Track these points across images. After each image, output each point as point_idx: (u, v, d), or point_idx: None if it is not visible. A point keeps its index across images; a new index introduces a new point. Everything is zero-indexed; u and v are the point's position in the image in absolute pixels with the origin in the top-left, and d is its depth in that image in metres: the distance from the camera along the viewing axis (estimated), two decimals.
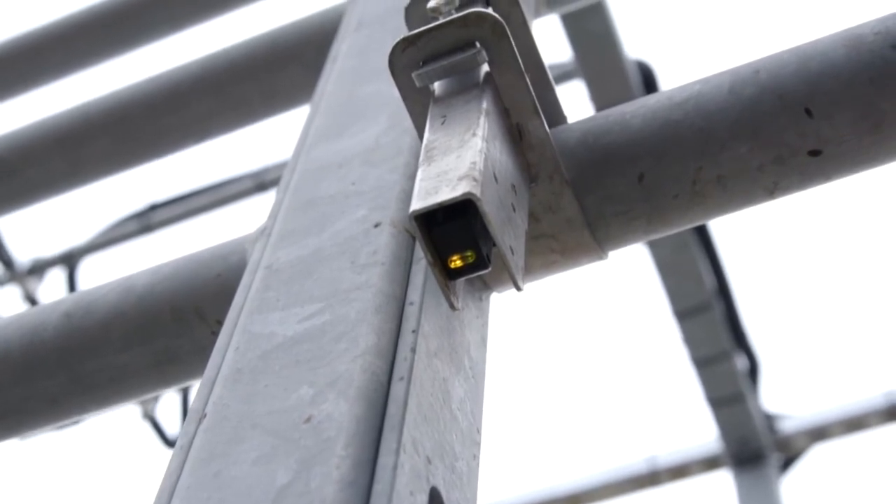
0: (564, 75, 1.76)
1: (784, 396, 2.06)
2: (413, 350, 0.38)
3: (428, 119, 0.41)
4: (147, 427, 2.01)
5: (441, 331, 0.41)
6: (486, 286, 0.47)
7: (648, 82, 1.71)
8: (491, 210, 0.37)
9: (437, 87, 0.43)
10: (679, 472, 1.91)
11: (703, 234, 1.78)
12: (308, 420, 0.35)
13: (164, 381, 0.54)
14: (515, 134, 0.44)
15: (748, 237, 2.21)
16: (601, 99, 1.66)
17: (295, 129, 0.59)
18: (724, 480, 1.91)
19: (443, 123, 0.40)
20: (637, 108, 0.46)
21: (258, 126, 0.92)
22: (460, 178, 0.36)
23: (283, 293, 0.42)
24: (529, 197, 0.44)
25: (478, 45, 0.41)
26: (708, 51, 2.40)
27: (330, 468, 0.32)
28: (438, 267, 0.37)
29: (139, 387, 0.54)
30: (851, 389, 1.96)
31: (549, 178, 0.45)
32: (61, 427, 0.87)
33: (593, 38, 1.65)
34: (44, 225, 2.37)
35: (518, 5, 0.46)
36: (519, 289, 0.39)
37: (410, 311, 0.40)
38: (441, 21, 0.42)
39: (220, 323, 0.50)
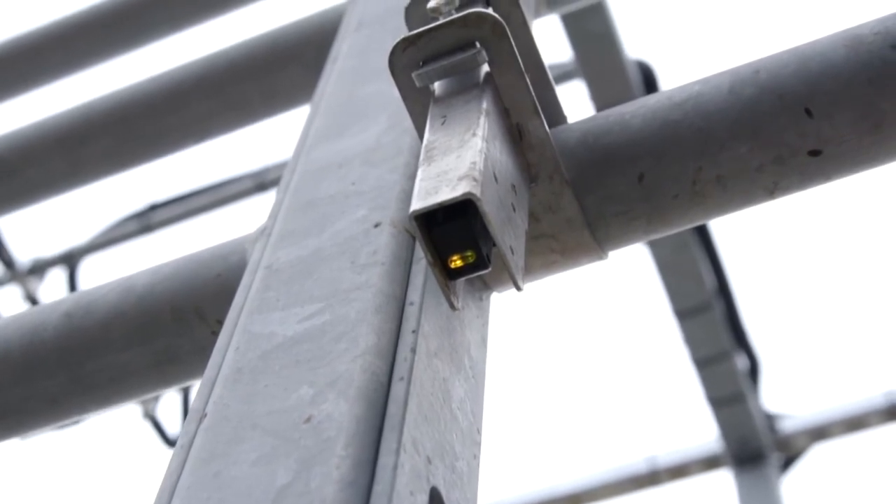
0: (564, 75, 1.76)
1: (784, 396, 2.06)
2: (413, 350, 0.38)
3: (428, 119, 0.41)
4: (148, 427, 2.02)
5: (441, 331, 0.41)
6: (486, 286, 0.47)
7: (648, 82, 1.71)
8: (491, 210, 0.37)
9: (437, 87, 0.43)
10: (679, 471, 1.91)
11: (703, 234, 1.78)
12: (308, 420, 0.35)
13: (165, 380, 0.54)
14: (515, 134, 0.44)
15: (748, 237, 2.21)
16: (601, 99, 1.66)
17: (295, 129, 0.59)
18: (724, 480, 1.91)
19: (443, 123, 0.40)
20: (637, 108, 0.46)
21: (258, 126, 0.92)
22: (460, 178, 0.36)
23: (283, 293, 0.42)
24: (529, 197, 0.44)
25: (478, 45, 0.41)
26: (708, 51, 2.40)
27: (330, 468, 0.32)
28: (438, 267, 0.37)
29: (139, 387, 0.54)
30: (851, 389, 1.96)
31: (549, 178, 0.45)
32: (61, 427, 0.87)
33: (593, 38, 1.65)
34: (44, 225, 2.37)
35: (518, 5, 0.46)
36: (519, 289, 0.39)
37: (410, 311, 0.40)
38: (441, 21, 0.42)
39: (220, 323, 0.50)
